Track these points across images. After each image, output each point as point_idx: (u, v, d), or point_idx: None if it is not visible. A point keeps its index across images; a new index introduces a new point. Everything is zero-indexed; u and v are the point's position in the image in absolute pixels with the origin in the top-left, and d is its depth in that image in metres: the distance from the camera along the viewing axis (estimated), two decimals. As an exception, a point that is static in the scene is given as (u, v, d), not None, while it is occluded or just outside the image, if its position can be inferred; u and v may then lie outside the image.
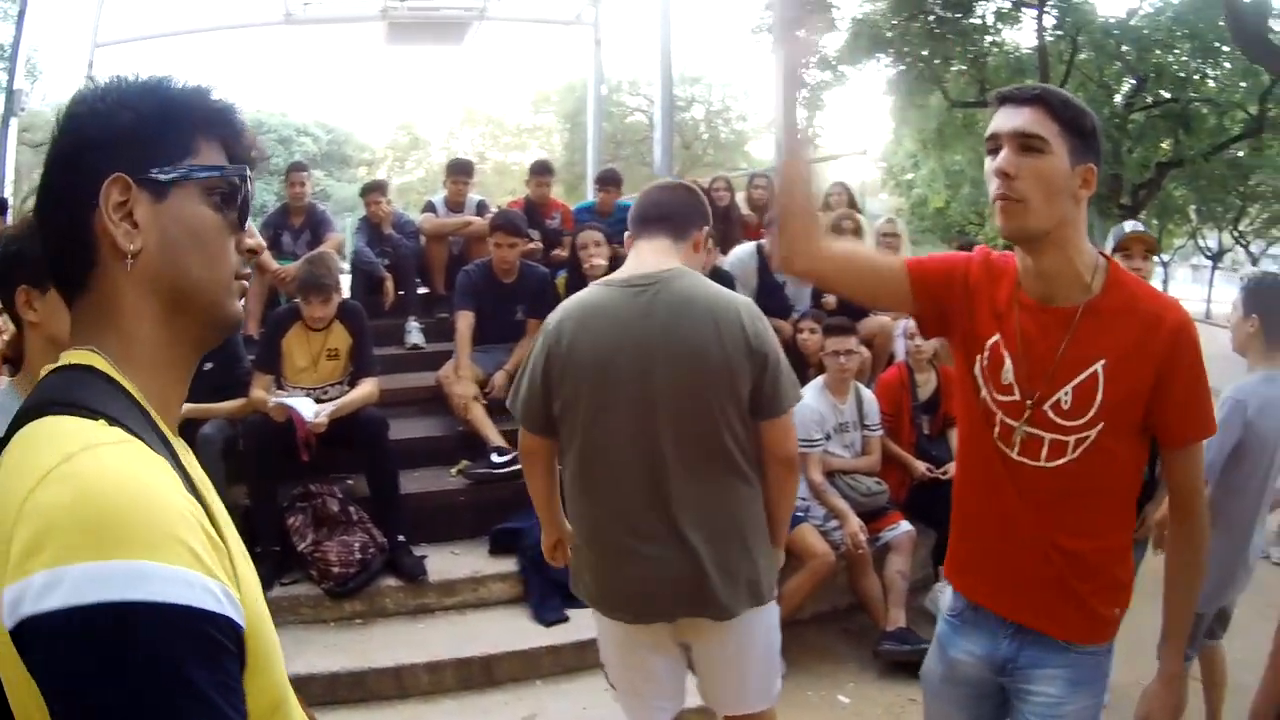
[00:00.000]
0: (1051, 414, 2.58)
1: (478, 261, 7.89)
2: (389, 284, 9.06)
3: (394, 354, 8.36)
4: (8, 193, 14.57)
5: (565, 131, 45.77)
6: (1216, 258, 46.82)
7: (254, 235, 1.69)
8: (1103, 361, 2.51)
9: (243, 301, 7.75)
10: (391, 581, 6.07)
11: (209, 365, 5.43)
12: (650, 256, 3.38)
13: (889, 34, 23.42)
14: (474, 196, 9.74)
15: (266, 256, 8.62)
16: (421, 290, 9.46)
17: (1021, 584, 2.72)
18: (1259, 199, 33.76)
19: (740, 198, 10.82)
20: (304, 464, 6.22)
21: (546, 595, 5.98)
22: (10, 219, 10.21)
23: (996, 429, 2.68)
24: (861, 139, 55.50)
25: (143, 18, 19.40)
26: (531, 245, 8.75)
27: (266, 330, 6.83)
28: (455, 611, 6.08)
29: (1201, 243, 46.71)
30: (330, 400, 6.38)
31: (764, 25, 23.66)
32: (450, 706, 5.38)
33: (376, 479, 6.34)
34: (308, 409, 6.07)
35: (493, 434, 6.87)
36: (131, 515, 1.02)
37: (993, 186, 2.50)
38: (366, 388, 6.44)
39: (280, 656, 1.26)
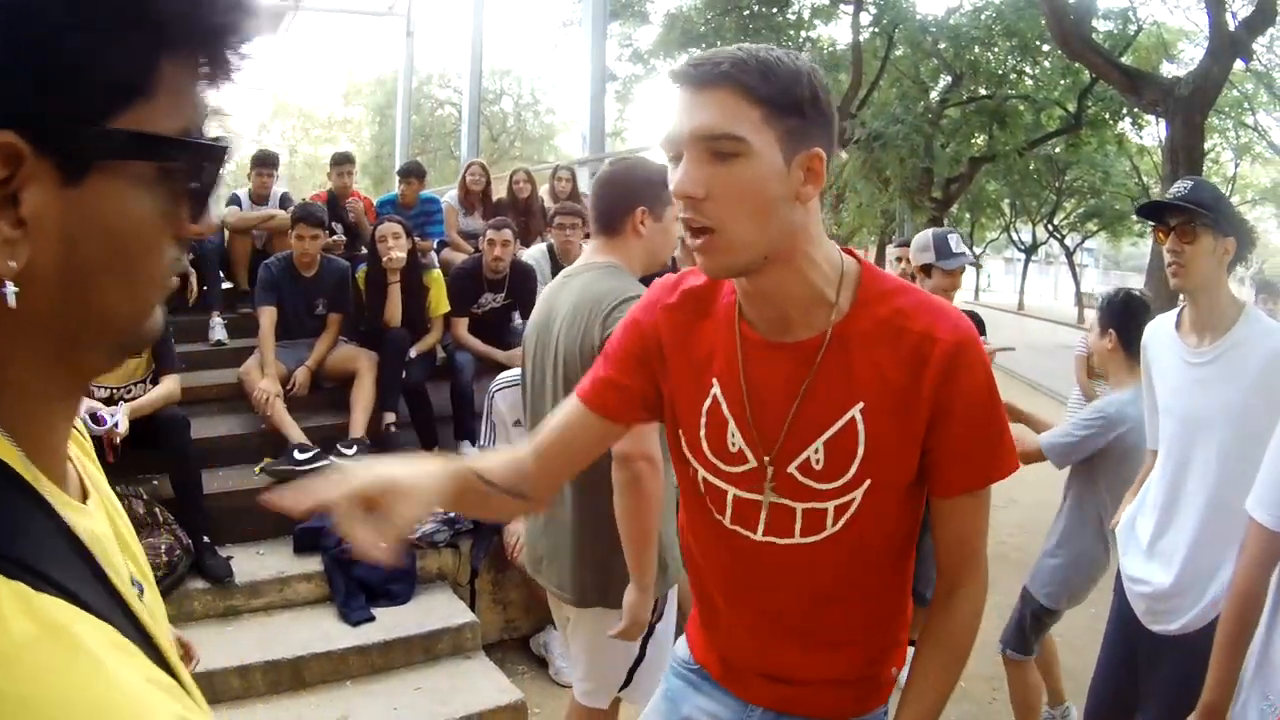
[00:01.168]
0: (800, 476, 1.95)
1: (279, 255, 7.78)
2: (192, 279, 8.84)
3: (197, 350, 8.18)
4: None
5: (375, 124, 45.66)
6: (1030, 250, 48.26)
7: (208, 214, 1.21)
8: (860, 405, 1.89)
9: None
10: (199, 584, 5.93)
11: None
12: (586, 253, 3.55)
13: (702, 28, 23.70)
14: (278, 189, 9.59)
15: None
16: (225, 285, 9.30)
17: (779, 666, 2.17)
18: (1075, 194, 35.10)
19: (544, 190, 10.90)
20: (108, 465, 5.99)
21: (351, 594, 5.93)
22: None
23: (729, 511, 2.05)
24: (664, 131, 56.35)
25: None
26: (334, 239, 8.74)
27: None
28: (263, 613, 5.97)
29: (1015, 236, 48.22)
30: (133, 399, 6.21)
31: (574, 19, 23.74)
32: (261, 711, 5.29)
33: (179, 480, 6.19)
34: (105, 414, 5.86)
35: (294, 431, 6.80)
36: None
37: (678, 211, 1.82)
38: (167, 385, 6.29)
39: None
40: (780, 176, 1.73)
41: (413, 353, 7.53)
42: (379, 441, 7.03)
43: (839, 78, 24.49)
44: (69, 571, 0.75)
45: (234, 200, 9.46)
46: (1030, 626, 4.81)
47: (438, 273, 8.06)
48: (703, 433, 2.04)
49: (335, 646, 5.58)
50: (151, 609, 0.92)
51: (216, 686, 5.31)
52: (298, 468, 6.54)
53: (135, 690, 0.70)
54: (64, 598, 0.70)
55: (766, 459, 1.96)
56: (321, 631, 5.73)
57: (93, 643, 0.69)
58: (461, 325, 7.84)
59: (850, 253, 1.99)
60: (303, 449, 6.65)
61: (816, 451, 1.92)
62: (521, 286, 7.93)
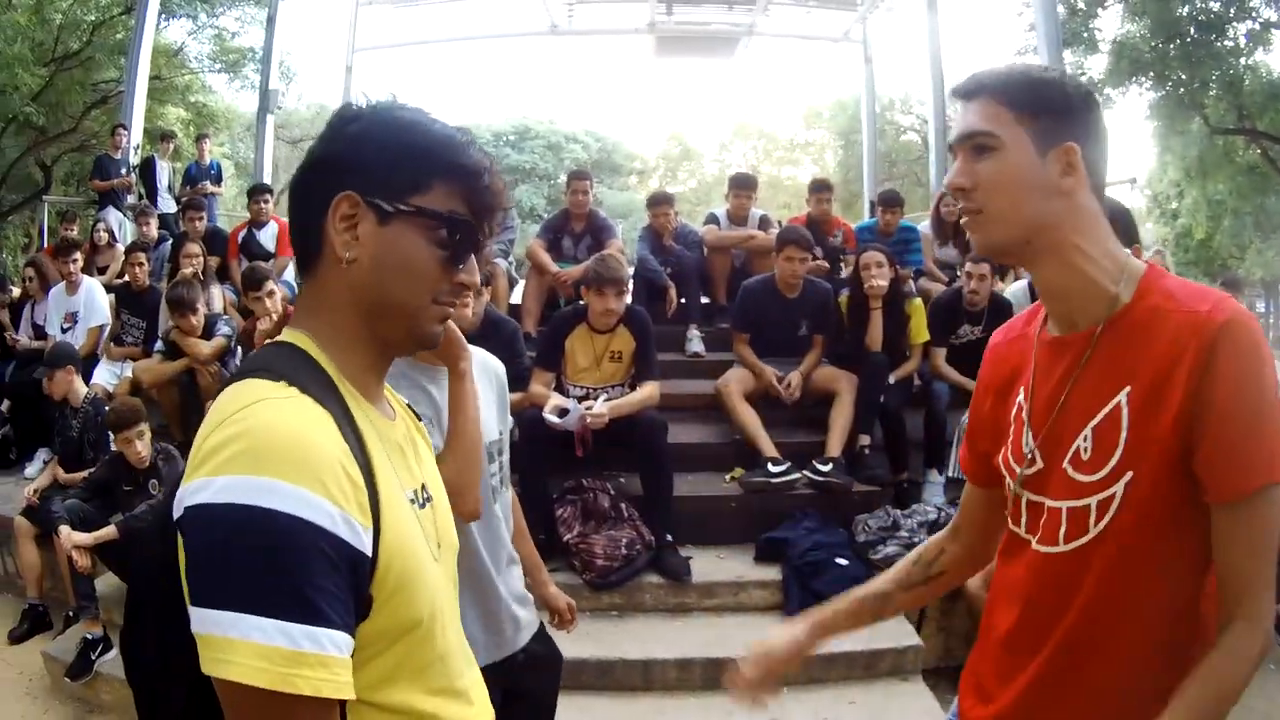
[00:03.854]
0: (1072, 471, 1.90)
1: (760, 276, 8.00)
2: (671, 292, 9.18)
3: (674, 360, 8.49)
4: (267, 178, 15.61)
5: (838, 148, 45.50)
6: None
7: (473, 273, 1.72)
8: (1127, 389, 1.83)
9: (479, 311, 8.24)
10: (653, 579, 6.21)
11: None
12: None
13: (1148, 56, 22.74)
14: (756, 210, 9.77)
15: (546, 258, 8.94)
16: (704, 300, 9.53)
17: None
18: None
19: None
20: (579, 459, 6.43)
21: (806, 605, 5.91)
22: (272, 205, 10.91)
23: (1024, 518, 2.02)
24: (1129, 166, 53.74)
25: (402, 24, 20.03)
26: (818, 262, 8.83)
27: (550, 329, 7.07)
28: (713, 613, 6.18)
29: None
30: (610, 400, 6.56)
31: (1028, 47, 23.20)
32: (693, 704, 5.49)
33: (650, 479, 6.47)
34: (572, 418, 6.22)
35: (768, 445, 6.96)
36: (277, 446, 1.30)
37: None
38: (648, 389, 6.59)
39: (429, 586, 1.52)
40: (1034, 167, 1.87)
41: (891, 379, 7.60)
42: (852, 461, 7.11)
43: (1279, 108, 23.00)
44: (325, 399, 1.44)
45: (712, 219, 9.76)
46: None
47: (919, 301, 8.09)
48: (1009, 439, 2.07)
49: (780, 653, 5.71)
50: (423, 518, 1.60)
51: (653, 675, 5.60)
52: (771, 479, 6.75)
53: (323, 431, 1.38)
54: (313, 399, 1.42)
55: (1042, 455, 1.97)
56: (767, 636, 5.86)
57: (306, 404, 1.40)
58: (940, 355, 7.84)
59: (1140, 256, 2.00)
60: (776, 462, 6.81)
61: (1085, 440, 1.88)
62: (1001, 320, 7.76)
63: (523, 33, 20.91)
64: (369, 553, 1.37)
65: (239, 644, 1.22)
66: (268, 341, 1.62)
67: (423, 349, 1.69)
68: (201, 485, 1.28)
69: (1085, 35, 24.07)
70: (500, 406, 3.34)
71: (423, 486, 1.67)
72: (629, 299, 6.93)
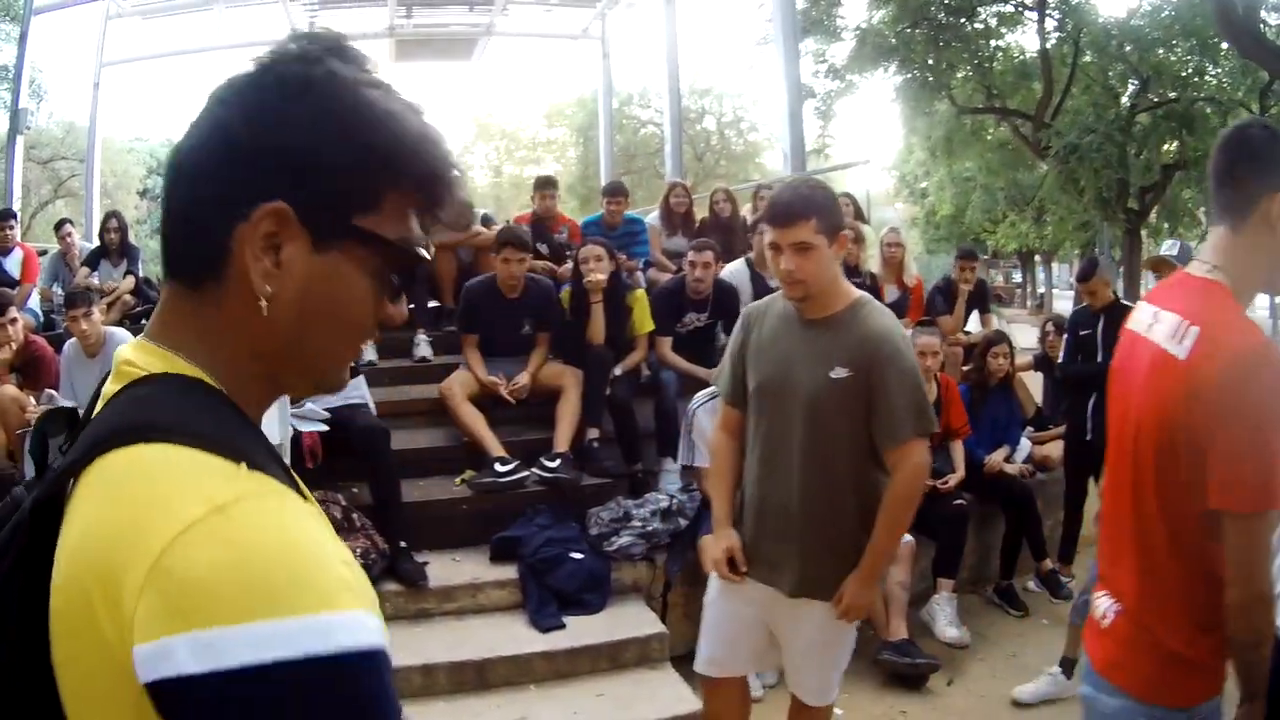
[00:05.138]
0: None
1: (481, 278, 8.01)
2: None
3: (402, 366, 8.49)
4: (15, 206, 14.78)
5: (579, 145, 45.75)
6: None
7: (400, 305, 1.54)
8: None
9: None
10: (392, 586, 6.14)
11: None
12: None
13: (894, 41, 23.50)
14: (480, 209, 9.78)
15: None
16: (431, 304, 9.53)
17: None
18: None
19: (745, 209, 10.93)
20: (308, 470, 6.32)
21: (544, 602, 6.09)
22: (18, 232, 10.43)
23: None
24: (869, 148, 55.41)
25: (151, 37, 19.48)
26: (542, 261, 8.95)
27: None
28: (454, 617, 6.16)
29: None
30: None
31: (767, 37, 23.72)
32: (442, 708, 5.46)
33: (378, 487, 6.45)
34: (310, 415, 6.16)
35: (495, 445, 6.98)
36: (304, 573, 0.92)
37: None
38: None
39: None
40: None
41: (618, 370, 7.64)
42: (581, 456, 7.17)
43: (1032, 86, 24.01)
44: (282, 477, 1.03)
45: (434, 219, 9.69)
46: None
47: (641, 292, 8.17)
48: None
49: (522, 650, 5.75)
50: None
51: (399, 683, 5.45)
52: (499, 479, 6.76)
53: (320, 540, 0.97)
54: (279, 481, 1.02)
55: None
56: (510, 636, 5.91)
57: (296, 504, 1.00)
58: (665, 344, 7.98)
59: None
60: (503, 461, 6.83)
61: None
62: (725, 305, 8.03)
63: (266, 41, 20.42)
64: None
65: None
66: (141, 372, 1.09)
67: (316, 394, 1.45)
68: (224, 637, 0.86)
69: (826, 23, 24.64)
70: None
71: None
72: None
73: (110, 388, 1.10)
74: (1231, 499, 2.27)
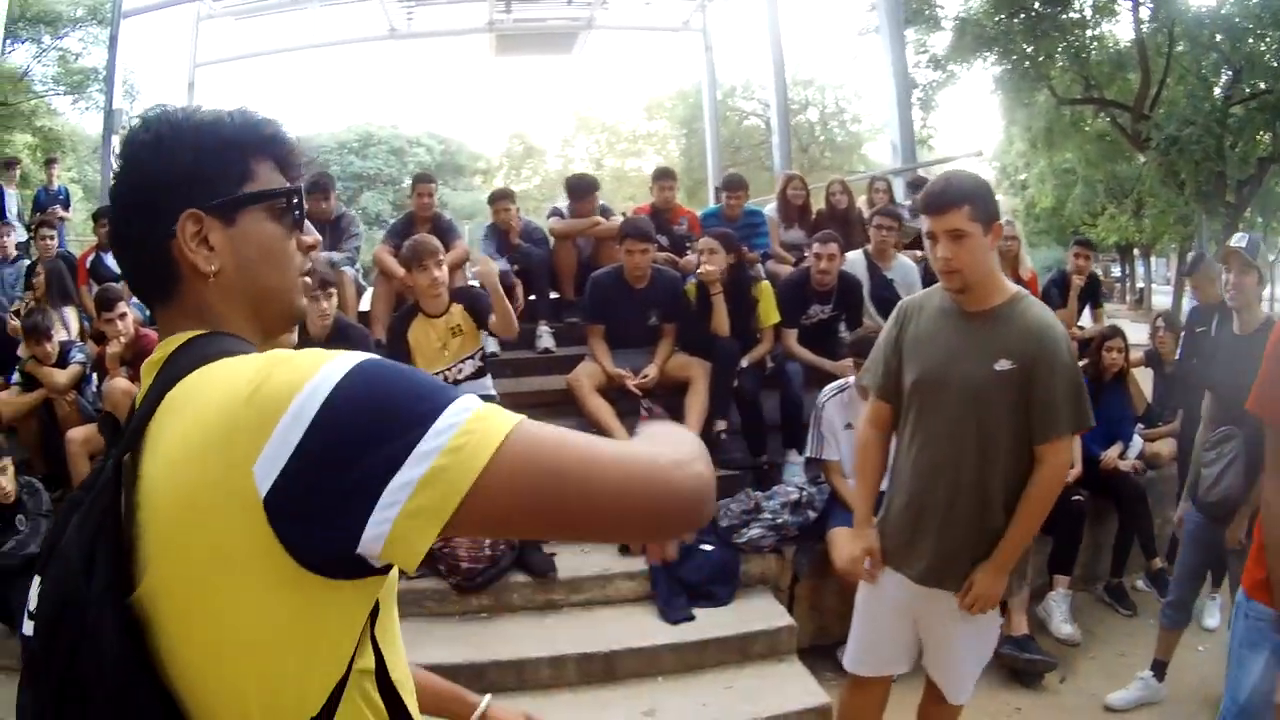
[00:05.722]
0: None
1: (608, 268, 7.98)
2: (519, 289, 9.15)
3: (526, 358, 8.53)
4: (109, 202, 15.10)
5: (681, 137, 45.71)
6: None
7: (310, 232, 1.65)
8: None
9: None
10: (520, 578, 6.17)
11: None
12: None
13: (992, 31, 23.18)
14: (599, 203, 9.72)
15: (393, 263, 8.80)
16: (552, 295, 9.50)
17: None
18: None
19: (861, 201, 10.83)
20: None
21: (674, 594, 6.07)
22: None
23: None
24: (970, 140, 54.66)
25: (244, 37, 19.77)
26: (665, 253, 8.93)
27: (391, 331, 7.04)
28: (582, 608, 6.16)
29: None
30: (467, 379, 6.75)
31: (870, 28, 23.46)
32: (569, 700, 5.47)
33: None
34: None
35: (623, 436, 6.69)
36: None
37: None
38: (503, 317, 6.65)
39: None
40: None
41: (744, 362, 7.61)
42: (710, 446, 6.97)
43: (1128, 77, 23.56)
44: None
45: (555, 212, 9.73)
46: None
47: (766, 284, 8.11)
48: None
49: (650, 643, 5.74)
50: None
51: (526, 675, 5.56)
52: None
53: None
54: None
55: None
56: (638, 628, 5.90)
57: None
58: (791, 336, 7.95)
59: None
60: (636, 456, 6.74)
61: None
62: (848, 298, 8.02)
63: (362, 38, 20.69)
64: None
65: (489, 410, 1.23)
66: (178, 340, 1.45)
67: (295, 323, 1.69)
68: (328, 369, 1.23)
69: (927, 13, 24.41)
70: None
71: None
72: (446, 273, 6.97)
73: (147, 378, 1.42)
74: None
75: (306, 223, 1.64)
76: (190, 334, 1.45)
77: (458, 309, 6.81)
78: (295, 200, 1.55)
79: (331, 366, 1.22)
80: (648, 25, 21.68)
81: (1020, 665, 6.06)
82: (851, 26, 41.27)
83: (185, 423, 1.24)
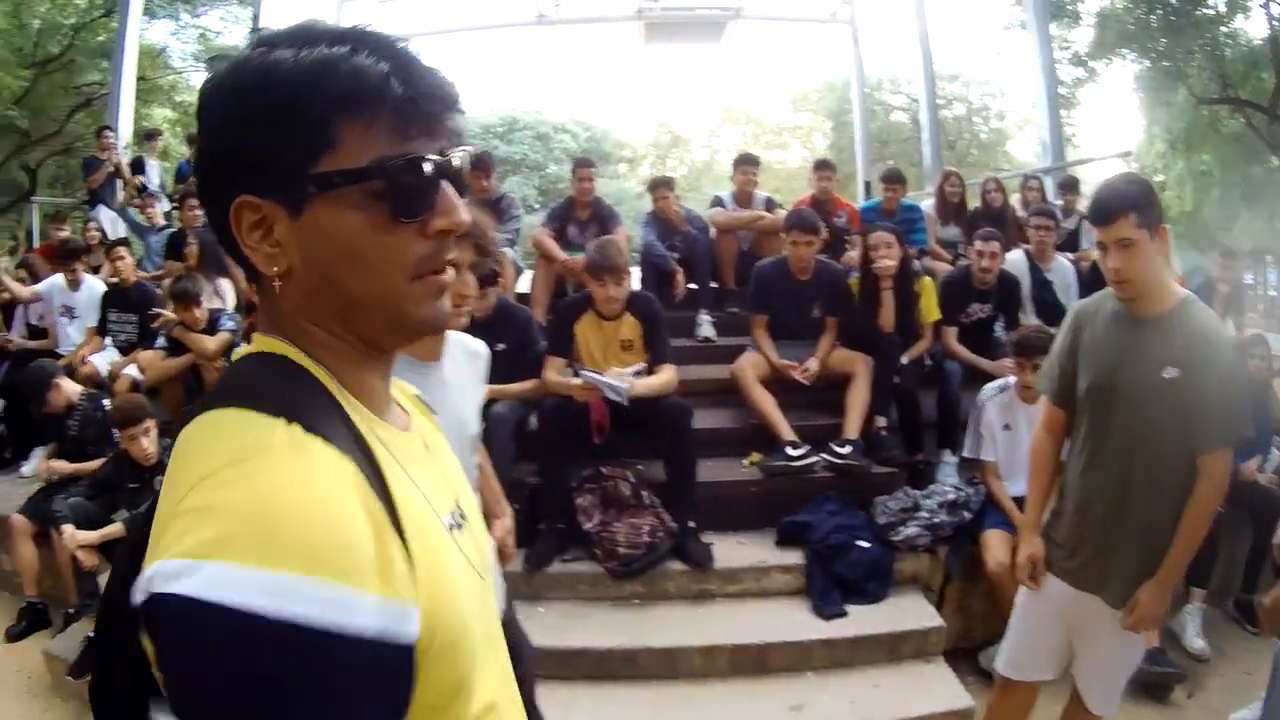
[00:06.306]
0: None
1: (772, 258, 7.93)
2: (679, 277, 9.18)
3: (685, 346, 8.46)
4: None
5: (828, 130, 45.42)
6: None
7: (452, 212, 1.32)
8: None
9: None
10: (676, 566, 6.17)
11: (502, 346, 5.55)
12: None
13: (1131, 27, 22.75)
14: (761, 193, 9.81)
15: (553, 246, 8.92)
16: (713, 285, 9.53)
17: None
18: None
19: (1014, 199, 10.68)
20: (595, 446, 6.40)
21: (828, 589, 6.04)
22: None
23: None
24: (1116, 139, 53.70)
25: (386, 19, 19.95)
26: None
27: (558, 315, 7.02)
28: (735, 599, 6.15)
29: None
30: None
31: (1014, 23, 23.13)
32: (720, 690, 5.47)
33: (675, 465, 6.43)
34: (617, 382, 6.13)
35: (785, 429, 6.93)
36: (296, 523, 0.94)
37: None
38: (666, 374, 6.47)
39: (472, 632, 1.19)
40: None
41: (904, 359, 7.56)
42: (870, 443, 7.06)
43: (1261, 76, 23.10)
44: (338, 437, 1.09)
45: (718, 202, 9.78)
46: None
47: (929, 280, 8.02)
48: None
49: (803, 637, 5.72)
50: (463, 542, 1.29)
51: (678, 663, 5.57)
52: (791, 463, 6.71)
53: (343, 492, 1.02)
54: (327, 442, 1.06)
55: None
56: (791, 621, 5.88)
57: (323, 455, 1.04)
58: (951, 334, 7.90)
59: None
60: (794, 446, 6.77)
61: None
62: (1008, 297, 7.94)
63: (510, 24, 20.89)
64: (416, 635, 1.04)
65: None
66: (245, 351, 1.26)
67: (424, 335, 1.30)
68: (182, 569, 0.91)
69: (1069, 7, 24.07)
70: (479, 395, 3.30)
71: (456, 502, 1.36)
72: (633, 285, 6.88)
73: None
74: None
75: (450, 196, 1.22)
76: (256, 349, 1.24)
77: (631, 322, 6.67)
78: (397, 177, 1.16)
79: (191, 580, 0.91)
80: (795, 16, 21.63)
81: (1152, 679, 5.91)
82: (995, 21, 40.72)
83: (165, 476, 1.08)
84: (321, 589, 0.92)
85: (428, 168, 1.18)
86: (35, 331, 9.65)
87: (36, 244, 13.84)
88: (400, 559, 1.04)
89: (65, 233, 11.52)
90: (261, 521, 0.93)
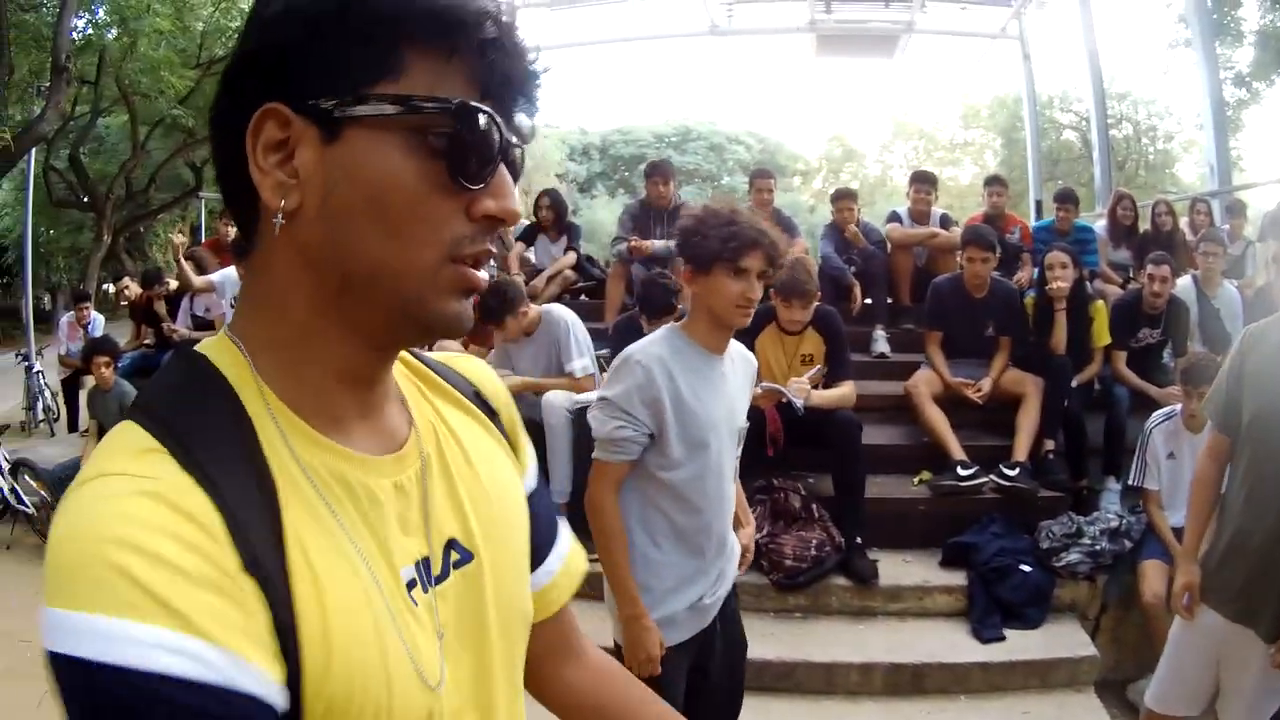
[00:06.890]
0: None
1: (948, 275, 7.95)
2: (856, 291, 9.12)
3: (860, 361, 8.33)
4: None
5: (999, 148, 44.86)
6: None
7: (507, 197, 1.31)
8: None
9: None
10: (840, 581, 6.20)
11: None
12: None
13: (1290, 45, 22.06)
14: (938, 209, 9.78)
15: (640, 241, 9.05)
16: (888, 300, 9.51)
17: None
18: None
19: (1184, 223, 10.46)
20: (768, 458, 6.43)
21: (988, 612, 6.03)
22: None
23: None
24: (1272, 163, 52.08)
25: (559, 27, 20.07)
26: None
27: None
28: (896, 618, 6.17)
29: None
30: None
31: (1179, 41, 22.58)
32: (873, 709, 5.49)
33: (844, 480, 6.44)
34: (798, 393, 6.16)
35: (956, 448, 6.91)
36: (85, 559, 0.82)
37: None
38: (845, 388, 6.48)
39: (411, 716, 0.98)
40: None
41: (1074, 382, 7.44)
42: (1037, 466, 6.96)
43: None
44: (214, 462, 0.90)
45: (894, 217, 9.76)
46: None
47: (1101, 303, 7.90)
48: None
49: (960, 659, 5.72)
50: (422, 609, 1.03)
51: (836, 678, 5.61)
52: (960, 483, 6.71)
53: (119, 531, 0.82)
54: (187, 469, 0.88)
55: None
56: (949, 643, 5.88)
57: (160, 486, 0.85)
58: (1120, 359, 7.76)
59: None
60: (964, 465, 6.75)
61: None
62: (1176, 323, 7.78)
63: (682, 34, 20.96)
64: (278, 707, 0.87)
65: None
66: (211, 342, 1.04)
67: (435, 337, 1.05)
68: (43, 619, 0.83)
69: (1230, 25, 23.43)
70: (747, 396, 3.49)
71: (447, 547, 1.10)
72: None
73: None
74: None
75: (508, 181, 1.00)
76: (206, 345, 1.04)
77: (814, 337, 6.68)
78: (464, 126, 0.94)
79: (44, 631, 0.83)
80: (966, 30, 21.39)
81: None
82: (1161, 39, 39.68)
83: None
84: (120, 625, 0.80)
85: (500, 136, 0.97)
86: (200, 323, 9.92)
87: (204, 239, 14.25)
88: (250, 604, 0.87)
89: (234, 228, 11.83)
90: (69, 557, 0.83)
